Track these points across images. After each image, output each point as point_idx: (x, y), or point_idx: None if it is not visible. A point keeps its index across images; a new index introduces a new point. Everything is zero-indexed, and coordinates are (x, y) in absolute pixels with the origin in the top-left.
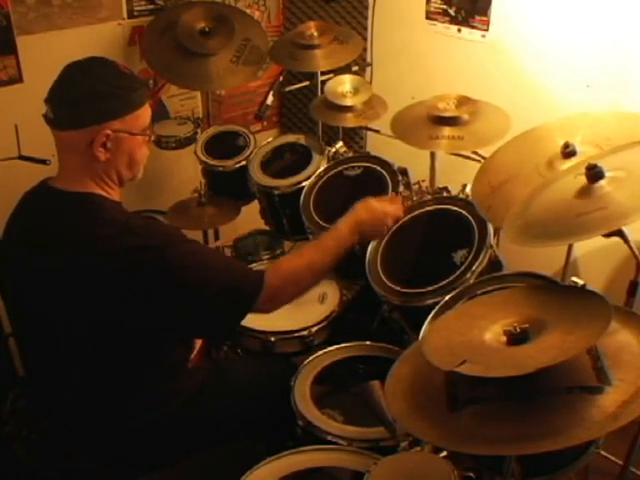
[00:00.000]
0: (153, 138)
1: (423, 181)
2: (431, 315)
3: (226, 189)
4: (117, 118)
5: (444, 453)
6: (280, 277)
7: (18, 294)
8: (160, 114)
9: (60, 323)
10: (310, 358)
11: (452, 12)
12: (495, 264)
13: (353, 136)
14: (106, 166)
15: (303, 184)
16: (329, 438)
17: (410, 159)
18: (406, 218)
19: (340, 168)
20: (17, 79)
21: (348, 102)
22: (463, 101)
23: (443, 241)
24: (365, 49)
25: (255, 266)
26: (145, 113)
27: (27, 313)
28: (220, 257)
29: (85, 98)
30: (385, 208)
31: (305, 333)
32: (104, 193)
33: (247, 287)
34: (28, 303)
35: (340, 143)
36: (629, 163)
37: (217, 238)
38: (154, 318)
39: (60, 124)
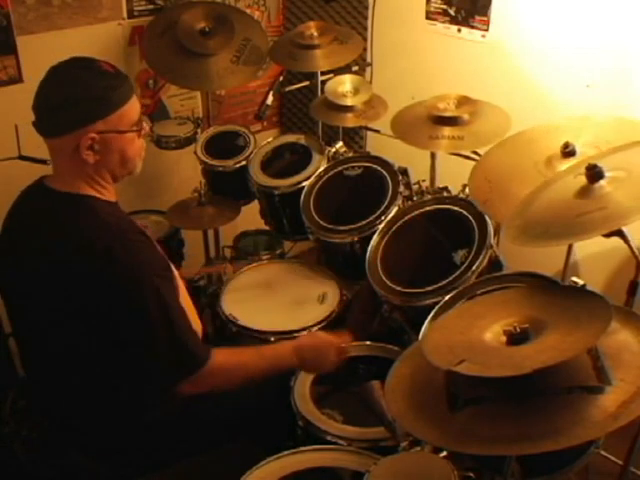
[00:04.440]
0: (147, 130)
1: (423, 181)
2: (431, 315)
3: (226, 189)
4: (99, 120)
5: (444, 453)
6: (216, 367)
7: (14, 294)
8: (160, 114)
9: (52, 323)
10: None
11: (452, 12)
12: (495, 264)
13: (353, 136)
14: (97, 167)
15: (303, 184)
16: (329, 438)
17: (410, 159)
18: (406, 218)
19: (340, 168)
20: (17, 79)
21: (348, 102)
22: (463, 101)
23: (443, 241)
24: (365, 49)
25: (255, 266)
26: (131, 108)
27: (23, 313)
28: (184, 317)
29: (64, 104)
30: (330, 338)
31: (305, 333)
32: (96, 194)
33: (193, 355)
34: (23, 303)
35: (340, 143)
36: (629, 163)
37: (217, 238)
38: (114, 337)
39: (45, 132)
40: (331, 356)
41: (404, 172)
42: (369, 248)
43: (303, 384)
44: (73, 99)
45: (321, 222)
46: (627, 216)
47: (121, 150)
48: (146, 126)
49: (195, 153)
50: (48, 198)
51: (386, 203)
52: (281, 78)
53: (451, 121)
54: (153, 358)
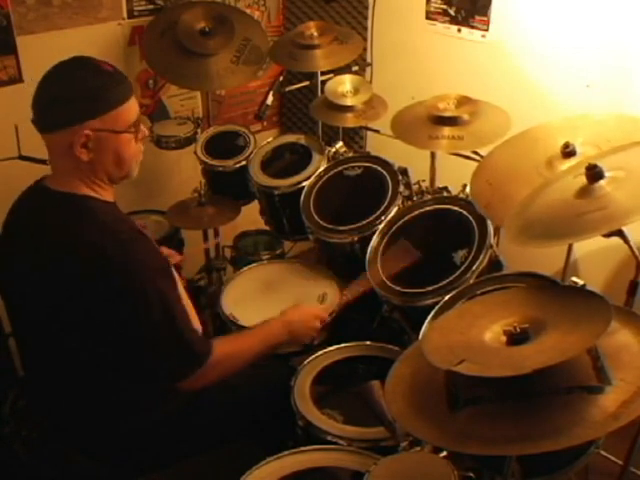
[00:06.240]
0: (145, 134)
1: (423, 181)
2: (431, 315)
3: (226, 189)
4: (95, 118)
5: (444, 453)
6: (218, 359)
7: (14, 294)
8: (160, 114)
9: (50, 323)
10: (310, 358)
11: (452, 12)
12: (495, 264)
13: (353, 136)
14: (92, 166)
15: (303, 184)
16: (329, 438)
17: (410, 159)
18: (406, 218)
19: (340, 168)
20: (17, 79)
21: (348, 102)
22: (463, 101)
23: (443, 241)
24: (365, 49)
25: (255, 266)
26: (129, 109)
27: (21, 313)
28: (185, 312)
29: (59, 100)
30: (313, 310)
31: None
32: (94, 194)
33: (198, 349)
34: (22, 303)
35: (340, 143)
36: (629, 163)
37: (217, 238)
38: (115, 336)
39: (40, 127)
40: (316, 325)
41: (404, 172)
42: (369, 248)
43: (303, 384)
44: (69, 95)
45: (321, 222)
46: (627, 216)
47: (116, 150)
48: (144, 130)
49: (195, 153)
50: (46, 198)
51: (386, 203)
52: (281, 78)
53: (451, 121)
54: (156, 357)
